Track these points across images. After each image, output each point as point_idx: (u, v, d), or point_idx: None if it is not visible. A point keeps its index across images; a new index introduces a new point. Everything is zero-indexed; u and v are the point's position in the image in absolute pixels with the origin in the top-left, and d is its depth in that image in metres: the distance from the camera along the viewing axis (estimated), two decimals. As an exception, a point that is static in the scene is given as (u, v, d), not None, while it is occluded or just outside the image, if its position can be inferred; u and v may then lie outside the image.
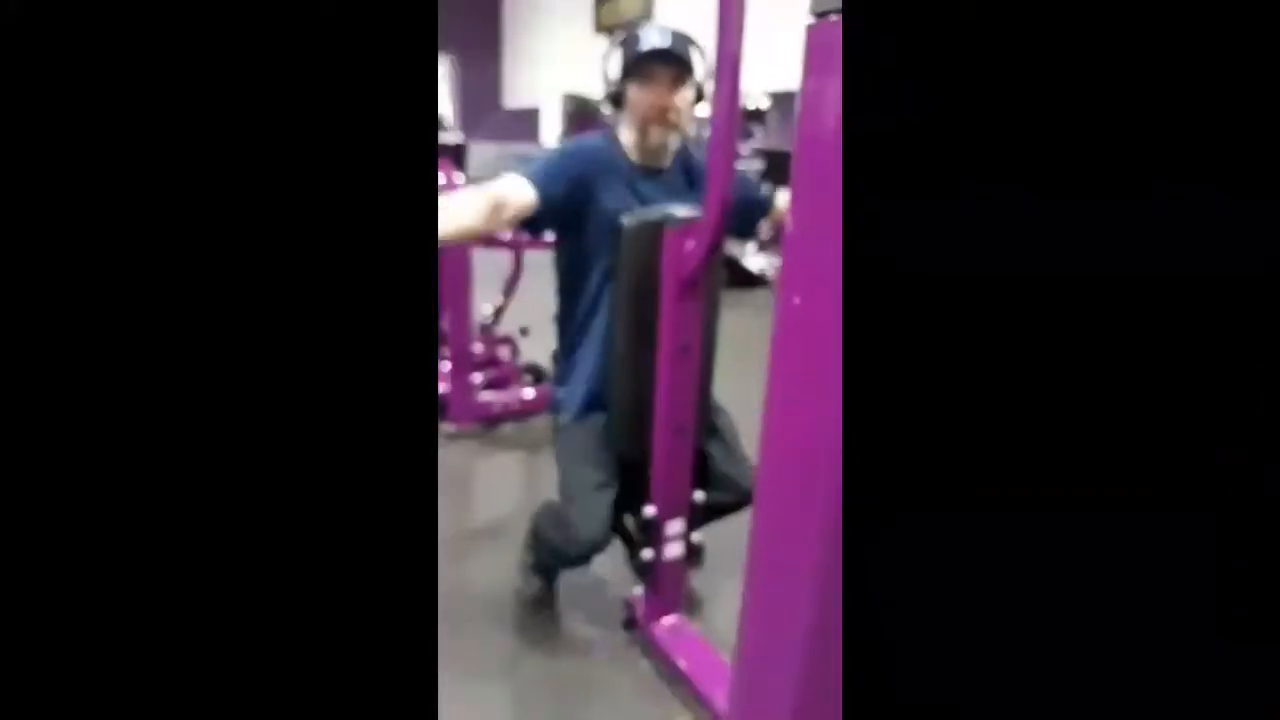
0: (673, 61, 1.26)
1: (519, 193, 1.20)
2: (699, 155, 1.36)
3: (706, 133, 1.08)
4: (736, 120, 1.03)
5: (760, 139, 5.43)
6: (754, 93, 5.41)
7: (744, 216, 1.30)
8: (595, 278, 1.32)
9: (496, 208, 1.18)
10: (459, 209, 1.15)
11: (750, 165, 4.85)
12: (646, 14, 7.81)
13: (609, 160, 1.31)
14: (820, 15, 0.67)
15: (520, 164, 1.27)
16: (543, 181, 1.22)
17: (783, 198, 1.38)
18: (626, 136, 1.33)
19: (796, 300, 0.75)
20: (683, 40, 1.27)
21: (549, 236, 1.39)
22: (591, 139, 1.36)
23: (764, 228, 1.53)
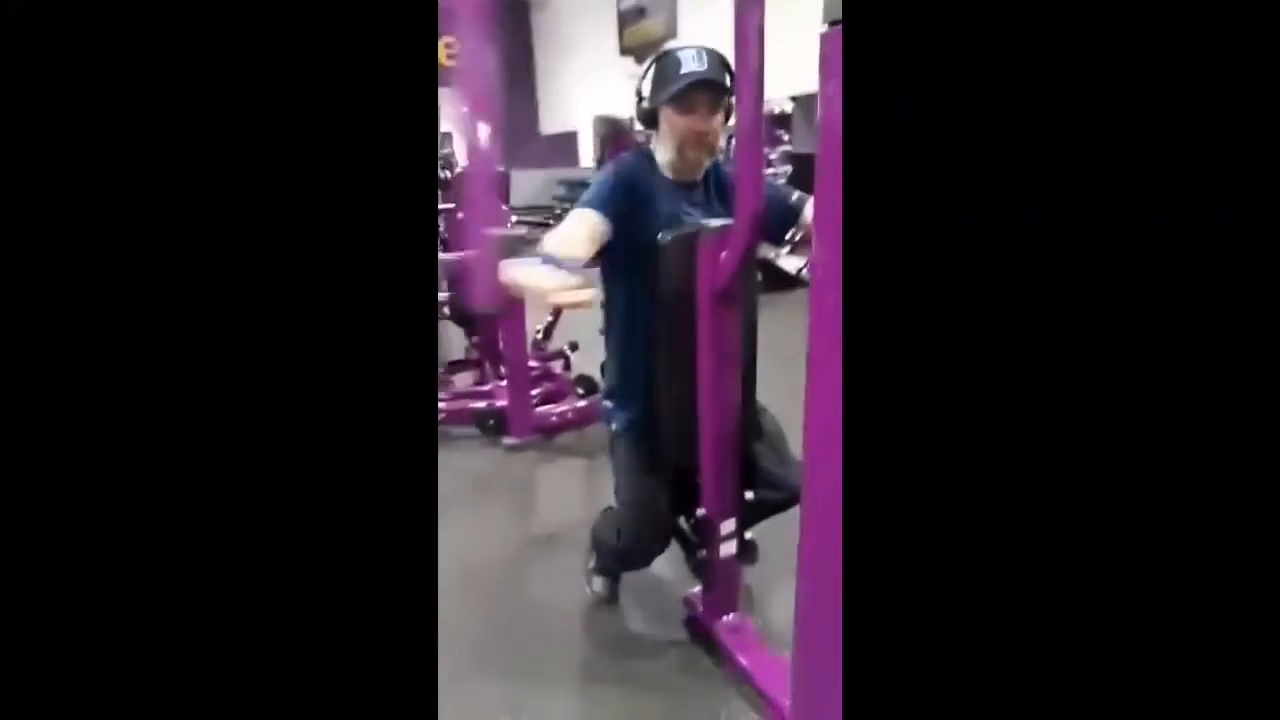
0: (711, 88, 1.28)
1: (600, 224, 1.30)
2: (727, 167, 1.39)
3: (732, 143, 1.12)
4: (761, 129, 1.08)
5: (788, 143, 5.42)
6: (777, 97, 5.39)
7: (776, 224, 1.32)
8: (639, 292, 1.37)
9: (593, 239, 1.30)
10: (571, 241, 1.27)
11: (780, 169, 4.85)
12: (670, 34, 7.86)
13: (647, 179, 1.36)
14: (833, 23, 0.70)
15: (572, 193, 1.35)
16: (610, 210, 1.31)
17: (811, 206, 1.40)
18: (662, 155, 1.37)
19: (828, 299, 0.77)
20: (718, 64, 1.28)
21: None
22: (629, 160, 1.40)
23: (796, 235, 1.55)
